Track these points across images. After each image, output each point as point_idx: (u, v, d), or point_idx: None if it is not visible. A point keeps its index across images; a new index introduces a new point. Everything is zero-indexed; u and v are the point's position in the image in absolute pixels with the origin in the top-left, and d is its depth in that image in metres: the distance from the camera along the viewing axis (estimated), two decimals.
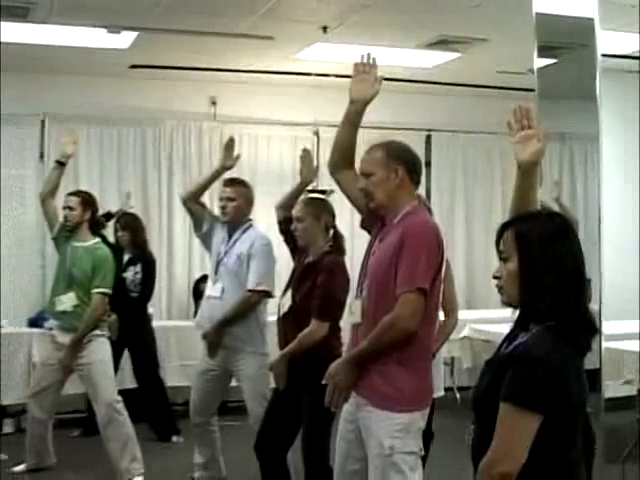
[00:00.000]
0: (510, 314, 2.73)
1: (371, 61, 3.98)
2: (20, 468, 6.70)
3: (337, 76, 8.49)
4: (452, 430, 4.91)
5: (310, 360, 4.78)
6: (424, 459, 4.35)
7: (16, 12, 6.80)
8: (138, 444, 6.45)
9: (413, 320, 3.66)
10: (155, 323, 8.22)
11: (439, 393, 5.01)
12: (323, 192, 5.52)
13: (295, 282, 5.19)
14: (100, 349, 6.45)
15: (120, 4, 6.72)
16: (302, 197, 5.46)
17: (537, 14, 4.89)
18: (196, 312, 8.54)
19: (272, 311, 5.81)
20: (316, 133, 9.32)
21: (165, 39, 7.60)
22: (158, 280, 8.36)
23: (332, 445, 4.39)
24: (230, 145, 6.18)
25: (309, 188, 5.93)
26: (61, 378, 6.53)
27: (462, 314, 5.59)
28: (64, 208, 6.51)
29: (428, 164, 9.75)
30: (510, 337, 2.61)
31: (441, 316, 4.93)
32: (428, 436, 4.74)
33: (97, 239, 6.61)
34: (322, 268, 5.03)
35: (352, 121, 3.98)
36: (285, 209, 5.53)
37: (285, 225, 5.42)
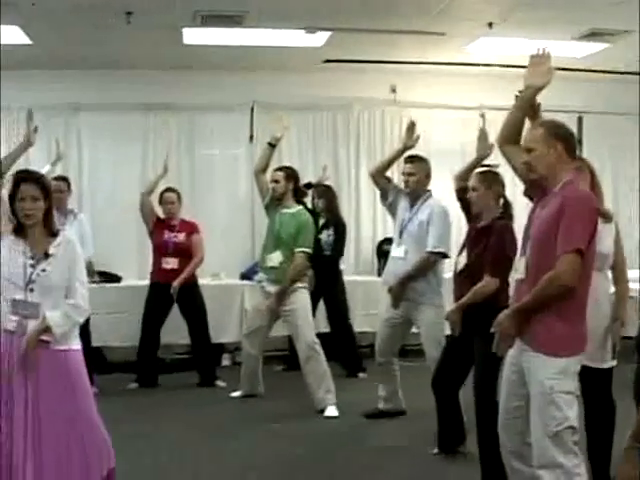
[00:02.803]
0: None
1: (545, 54, 3.92)
2: (236, 394, 6.96)
3: (500, 66, 8.32)
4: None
5: (481, 311, 4.70)
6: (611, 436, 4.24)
7: (234, 19, 6.97)
8: (332, 378, 6.57)
9: (571, 277, 3.56)
10: (345, 278, 8.26)
11: (612, 363, 4.50)
12: (490, 166, 5.40)
13: (470, 243, 5.11)
14: (301, 298, 6.58)
15: (316, 9, 6.77)
16: (477, 170, 5.35)
17: None
18: (379, 269, 8.61)
19: (447, 268, 5.78)
20: (482, 115, 9.13)
21: (353, 37, 7.60)
22: (348, 241, 8.39)
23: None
24: (412, 128, 6.16)
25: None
26: (269, 322, 6.70)
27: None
28: (272, 181, 6.63)
29: (580, 142, 9.44)
30: None
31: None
32: (610, 407, 4.47)
33: (300, 206, 6.71)
34: (494, 231, 4.93)
35: (524, 104, 3.92)
36: (462, 180, 5.42)
37: (462, 193, 5.33)
